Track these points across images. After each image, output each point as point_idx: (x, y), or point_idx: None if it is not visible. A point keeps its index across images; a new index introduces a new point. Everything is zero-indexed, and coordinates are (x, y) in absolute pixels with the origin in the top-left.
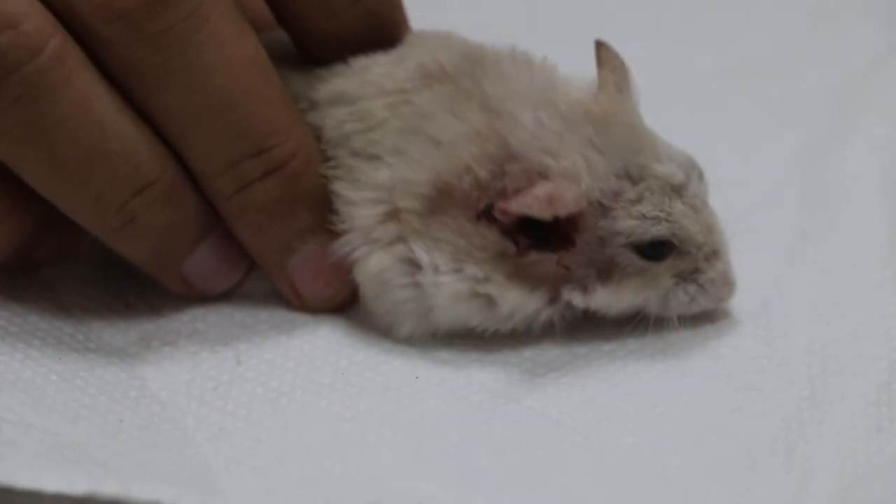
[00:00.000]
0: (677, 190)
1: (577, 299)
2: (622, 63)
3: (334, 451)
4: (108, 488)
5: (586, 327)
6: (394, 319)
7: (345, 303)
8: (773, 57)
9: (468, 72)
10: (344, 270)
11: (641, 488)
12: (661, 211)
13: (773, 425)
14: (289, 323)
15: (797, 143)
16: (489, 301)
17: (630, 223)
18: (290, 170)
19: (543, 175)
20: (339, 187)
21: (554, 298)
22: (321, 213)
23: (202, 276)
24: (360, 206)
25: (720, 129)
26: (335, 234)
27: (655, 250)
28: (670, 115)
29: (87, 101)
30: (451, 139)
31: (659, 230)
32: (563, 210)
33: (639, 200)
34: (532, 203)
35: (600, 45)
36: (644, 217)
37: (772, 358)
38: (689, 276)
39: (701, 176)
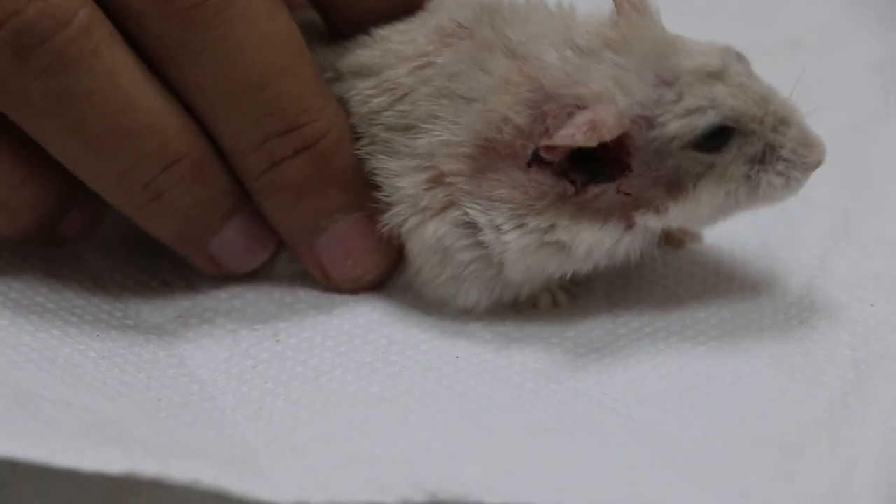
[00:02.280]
0: (716, 75)
1: (652, 221)
2: None
3: (375, 431)
4: (147, 468)
5: (629, 306)
6: (458, 286)
7: (374, 283)
8: (812, 34)
9: (487, 22)
10: (374, 250)
11: (683, 470)
12: (703, 99)
13: (817, 409)
14: (328, 301)
15: (838, 121)
16: (561, 247)
17: (678, 123)
18: (321, 148)
19: (581, 106)
20: (378, 162)
21: (630, 226)
22: (352, 192)
23: (230, 254)
24: (403, 175)
25: None
26: (379, 211)
27: (713, 140)
28: None
29: (115, 74)
30: (483, 93)
31: (707, 118)
32: (608, 133)
33: (679, 98)
34: (575, 133)
35: None
36: (689, 112)
37: (816, 340)
38: (767, 158)
39: (739, 56)
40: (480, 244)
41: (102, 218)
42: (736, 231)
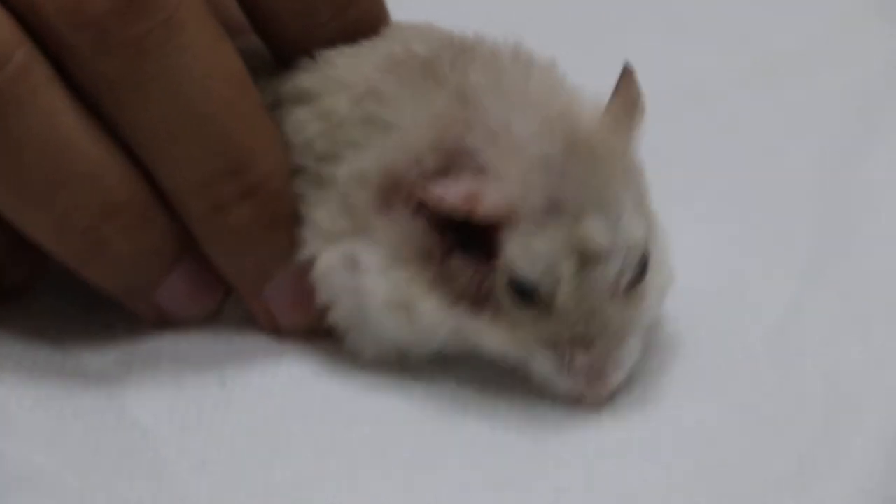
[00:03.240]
0: (585, 257)
1: (467, 323)
2: (638, 98)
3: (323, 485)
4: None
5: None
6: (353, 340)
7: (322, 331)
8: (793, 58)
9: (449, 59)
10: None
11: None
12: (546, 259)
13: (787, 461)
14: (278, 344)
15: (817, 149)
16: (409, 310)
17: (514, 249)
18: (267, 191)
19: (480, 171)
20: (307, 195)
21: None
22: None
23: (176, 303)
24: (319, 205)
25: (734, 130)
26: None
27: (520, 293)
28: (684, 115)
29: (53, 118)
30: (408, 124)
31: (528, 271)
32: (482, 211)
33: (537, 234)
34: (445, 195)
35: (626, 71)
36: (528, 252)
37: (787, 388)
38: (555, 351)
39: (636, 272)
40: (357, 290)
41: (46, 268)
42: (705, 268)
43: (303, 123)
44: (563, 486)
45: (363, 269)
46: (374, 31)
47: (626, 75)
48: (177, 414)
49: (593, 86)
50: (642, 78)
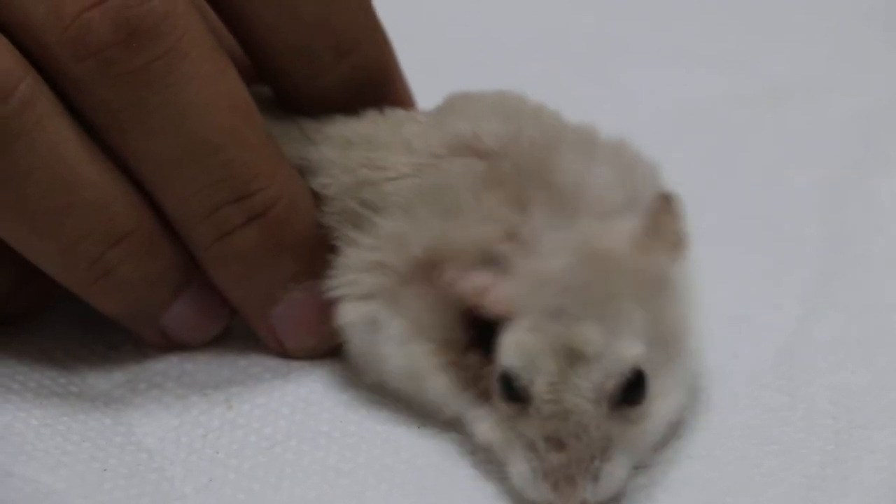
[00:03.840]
0: (571, 356)
1: (467, 408)
2: (679, 229)
3: None
4: None
5: None
6: (360, 369)
7: (329, 352)
8: (796, 83)
9: (513, 151)
10: (329, 318)
11: None
12: (530, 352)
13: (795, 483)
14: (284, 364)
15: (821, 175)
16: (421, 384)
17: (506, 342)
18: (273, 216)
19: (502, 270)
20: (344, 230)
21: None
22: (306, 260)
23: (182, 328)
24: (357, 247)
25: (738, 157)
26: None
27: (505, 386)
28: (689, 141)
29: (58, 148)
30: (464, 219)
31: (511, 363)
32: (489, 305)
33: (535, 332)
34: (459, 283)
35: (669, 198)
36: (515, 345)
37: (794, 409)
38: (531, 451)
39: (621, 388)
40: (375, 344)
41: (54, 292)
42: (711, 290)
43: (357, 164)
44: None
45: (384, 334)
46: (382, 80)
47: (662, 200)
48: (183, 435)
49: (596, 111)
50: (644, 104)
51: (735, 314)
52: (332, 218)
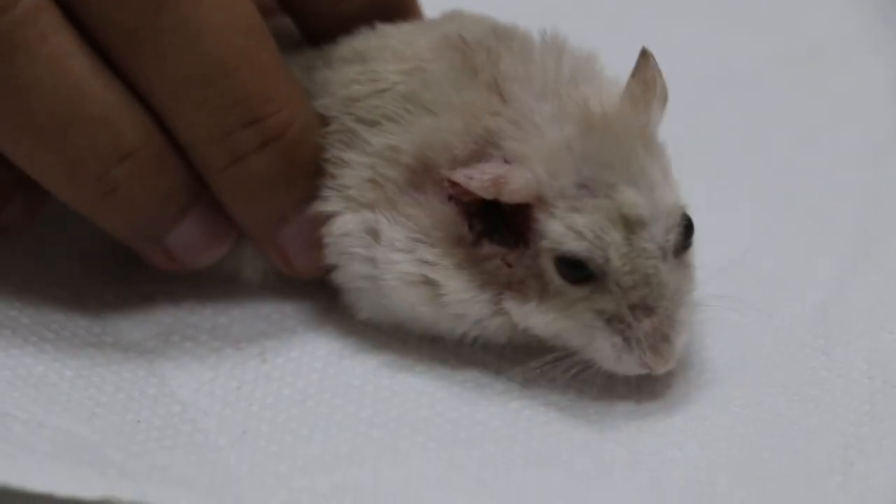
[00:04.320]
0: (629, 223)
1: (514, 308)
2: (655, 78)
3: (363, 459)
4: (124, 493)
5: None
6: (352, 298)
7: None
8: (836, 45)
9: (487, 47)
10: None
11: None
12: (591, 230)
13: (831, 441)
14: (317, 318)
15: (860, 136)
16: (435, 289)
17: (555, 228)
18: (287, 140)
19: (508, 160)
20: (336, 151)
21: (498, 309)
22: (317, 182)
23: (187, 248)
24: (350, 166)
25: (777, 118)
26: (317, 198)
27: (570, 270)
28: (725, 102)
29: (63, 61)
30: (443, 110)
31: (576, 246)
32: (508, 195)
33: (579, 211)
34: (475, 178)
35: (643, 55)
36: (571, 228)
37: (830, 368)
38: (615, 324)
39: (682, 233)
40: (374, 260)
41: (42, 209)
42: (750, 251)
43: (350, 79)
44: (605, 461)
45: (384, 242)
46: (402, 10)
47: (643, 57)
48: (217, 387)
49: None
50: (685, 65)
51: (772, 273)
52: (327, 140)
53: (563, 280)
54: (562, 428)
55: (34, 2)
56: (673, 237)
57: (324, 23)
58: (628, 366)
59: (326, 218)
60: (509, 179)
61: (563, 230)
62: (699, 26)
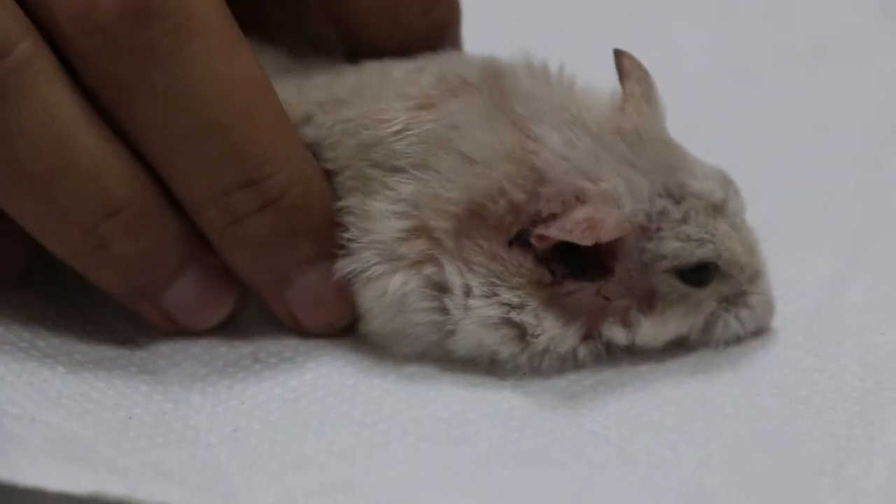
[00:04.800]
0: (719, 209)
1: (618, 335)
2: (647, 73)
3: (355, 459)
4: (114, 488)
5: None
6: (398, 340)
7: (347, 327)
8: (840, 41)
9: (495, 87)
10: (346, 296)
11: None
12: (706, 232)
13: (822, 443)
14: None
15: (861, 134)
16: (521, 331)
17: (675, 245)
18: (287, 202)
19: (581, 199)
20: (354, 200)
21: (590, 334)
22: (322, 241)
23: (185, 309)
24: (380, 219)
25: (779, 115)
26: (341, 253)
27: (699, 275)
28: (731, 96)
29: (54, 111)
30: (486, 157)
31: (704, 252)
32: (606, 236)
33: (684, 221)
34: (572, 228)
35: (621, 55)
36: (689, 239)
37: (822, 370)
38: (734, 300)
39: (737, 192)
40: (442, 309)
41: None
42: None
43: (358, 125)
44: (598, 461)
45: (458, 290)
46: (453, 37)
47: (624, 57)
48: (209, 384)
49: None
50: (686, 63)
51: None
52: (341, 183)
53: (690, 287)
54: (554, 427)
55: (28, 50)
56: (741, 199)
57: (379, 46)
58: (751, 329)
59: (361, 280)
60: (603, 221)
61: (680, 244)
62: (699, 24)
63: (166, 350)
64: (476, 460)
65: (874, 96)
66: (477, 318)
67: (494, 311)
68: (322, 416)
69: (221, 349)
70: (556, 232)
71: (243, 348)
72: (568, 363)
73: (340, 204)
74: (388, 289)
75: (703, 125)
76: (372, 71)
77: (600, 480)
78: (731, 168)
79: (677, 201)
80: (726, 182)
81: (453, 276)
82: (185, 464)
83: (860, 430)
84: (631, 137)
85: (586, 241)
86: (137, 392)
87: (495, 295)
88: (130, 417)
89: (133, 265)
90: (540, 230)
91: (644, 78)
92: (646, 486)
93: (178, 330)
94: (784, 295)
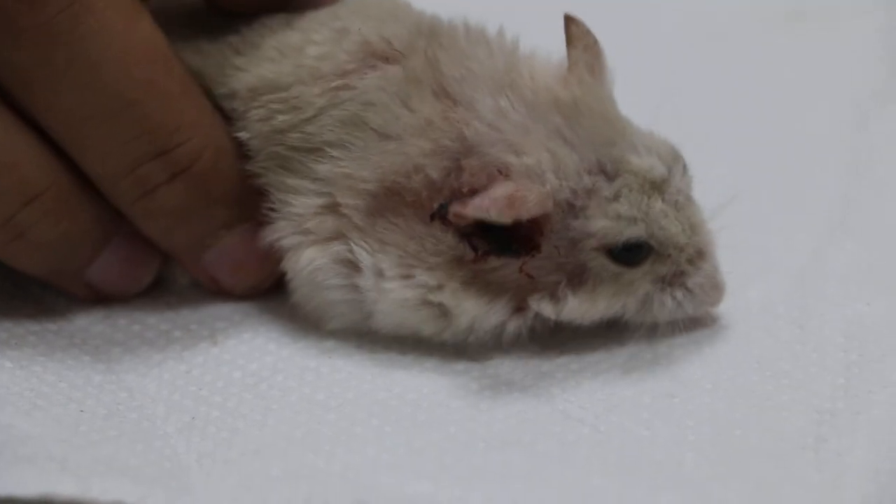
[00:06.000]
0: (657, 186)
1: (546, 309)
2: (595, 41)
3: (318, 444)
4: (64, 489)
5: None
6: (323, 315)
7: (270, 288)
8: (816, 7)
9: (420, 49)
10: (267, 258)
11: (654, 485)
12: (638, 210)
13: (805, 418)
14: (271, 299)
15: (841, 98)
16: (443, 311)
17: (603, 223)
18: (197, 170)
19: (504, 173)
20: (274, 175)
21: (520, 308)
22: (236, 206)
23: (108, 280)
24: (297, 193)
25: (758, 79)
26: (265, 222)
27: (630, 254)
28: (704, 60)
29: None
30: (399, 133)
31: (634, 231)
32: (526, 213)
33: (615, 198)
34: (490, 206)
35: (570, 21)
36: (619, 217)
37: (805, 341)
38: (672, 280)
39: (685, 168)
40: (355, 287)
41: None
42: (725, 219)
43: (272, 111)
44: (570, 441)
45: (368, 272)
46: None
47: (573, 23)
48: (165, 371)
49: (612, 28)
50: (663, 27)
51: (749, 243)
52: (258, 164)
53: (621, 267)
54: (525, 408)
55: None
56: (688, 176)
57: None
58: (691, 311)
59: (281, 249)
60: (524, 198)
61: (610, 223)
62: None
63: (120, 337)
64: (444, 444)
65: (853, 60)
66: (393, 300)
67: (411, 293)
68: (283, 400)
69: (177, 334)
70: (474, 209)
71: (200, 331)
72: (502, 337)
73: (262, 180)
74: (299, 264)
75: (677, 91)
76: (287, 50)
77: (573, 461)
78: (708, 135)
79: (610, 177)
80: (674, 158)
81: (362, 255)
82: (140, 456)
83: (844, 404)
84: (567, 109)
85: (505, 220)
86: (90, 383)
87: (411, 276)
88: (82, 411)
89: (54, 249)
90: (456, 207)
91: (591, 46)
92: (620, 466)
93: (105, 300)
94: (765, 264)
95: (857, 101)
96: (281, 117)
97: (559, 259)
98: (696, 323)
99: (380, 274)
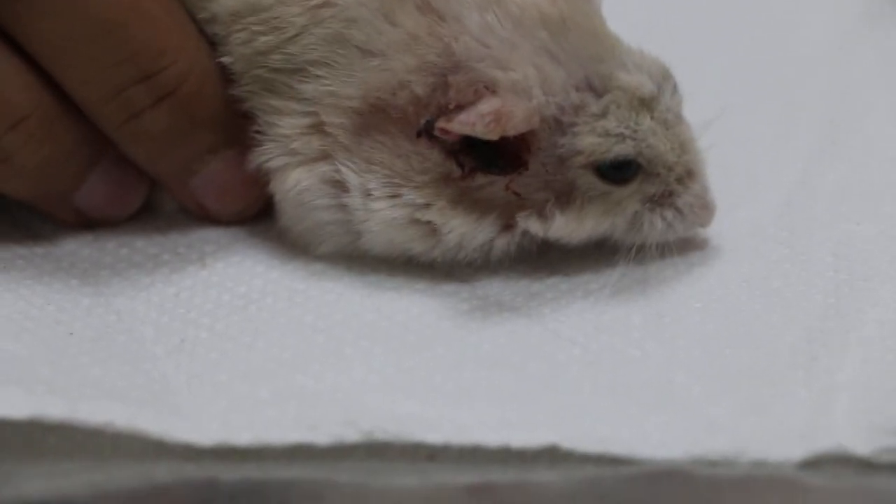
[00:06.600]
0: (646, 103)
1: (534, 226)
2: None
3: (307, 365)
4: (53, 410)
5: None
6: (314, 240)
7: (258, 213)
8: None
9: None
10: (253, 183)
11: (644, 404)
12: (626, 127)
13: (794, 336)
14: (260, 221)
15: (827, 24)
16: (431, 229)
17: (591, 140)
18: (183, 93)
19: (490, 88)
20: (259, 98)
21: (508, 226)
22: (222, 131)
23: (96, 205)
24: (282, 114)
25: (741, 6)
26: (251, 145)
27: (619, 172)
28: None
29: None
30: (383, 49)
31: (623, 148)
32: (512, 129)
33: (603, 115)
34: (476, 121)
35: None
36: (607, 134)
37: (795, 261)
38: (661, 200)
39: (675, 87)
40: (343, 207)
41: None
42: (713, 142)
43: (253, 33)
44: (560, 361)
45: (355, 191)
46: None
47: None
48: (154, 294)
49: None
50: None
51: (739, 166)
52: (243, 88)
53: (610, 185)
54: (515, 328)
55: None
56: (678, 95)
57: None
58: (681, 231)
59: (268, 171)
60: (510, 114)
61: (598, 140)
62: None
63: (108, 260)
64: (433, 365)
65: None
66: (381, 219)
67: (399, 213)
68: (272, 322)
69: (166, 256)
70: (458, 125)
71: (189, 254)
72: (491, 254)
73: (248, 104)
74: (286, 186)
75: (661, 18)
76: None
77: (563, 382)
78: (693, 59)
79: (598, 94)
80: (664, 76)
81: (349, 174)
82: (128, 378)
83: (834, 323)
84: (554, 25)
85: (491, 136)
86: (78, 306)
87: (399, 196)
88: (71, 333)
89: (40, 173)
90: (442, 122)
91: None
92: (611, 386)
93: (94, 225)
94: (754, 185)
95: (841, 24)
96: (263, 39)
97: (547, 177)
98: (686, 243)
99: (367, 194)
